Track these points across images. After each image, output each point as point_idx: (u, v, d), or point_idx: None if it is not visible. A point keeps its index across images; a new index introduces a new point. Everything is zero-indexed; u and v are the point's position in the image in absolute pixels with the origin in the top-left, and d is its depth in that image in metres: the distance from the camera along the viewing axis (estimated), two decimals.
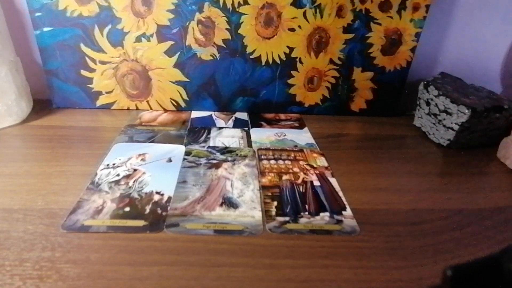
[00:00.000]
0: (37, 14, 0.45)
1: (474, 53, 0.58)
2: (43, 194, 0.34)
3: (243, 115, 0.53)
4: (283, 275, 0.27)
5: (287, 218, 0.33)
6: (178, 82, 0.51)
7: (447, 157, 0.46)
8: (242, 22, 0.48)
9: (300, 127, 0.51)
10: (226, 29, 0.48)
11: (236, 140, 0.46)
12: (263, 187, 0.37)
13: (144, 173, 0.38)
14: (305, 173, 0.40)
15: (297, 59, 0.52)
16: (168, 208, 0.33)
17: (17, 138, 0.44)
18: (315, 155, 0.44)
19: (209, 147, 0.44)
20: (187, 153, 0.42)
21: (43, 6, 0.45)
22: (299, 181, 0.38)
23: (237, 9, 0.47)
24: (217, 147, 0.44)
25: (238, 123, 0.51)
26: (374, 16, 0.50)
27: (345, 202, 0.35)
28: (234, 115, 0.53)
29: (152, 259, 0.27)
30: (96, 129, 0.47)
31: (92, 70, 0.49)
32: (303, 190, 0.37)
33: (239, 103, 0.54)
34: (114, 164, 0.39)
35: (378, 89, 0.55)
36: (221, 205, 0.34)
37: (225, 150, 0.43)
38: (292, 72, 0.52)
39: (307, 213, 0.33)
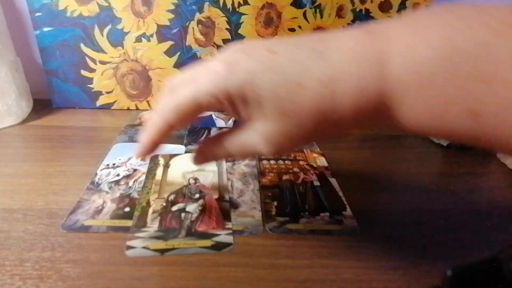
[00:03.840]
0: (37, 14, 0.45)
1: None
2: (43, 194, 0.34)
3: None
4: (283, 275, 0.27)
5: (287, 218, 0.33)
6: None
7: (447, 157, 0.46)
8: (242, 22, 0.48)
9: None
10: (226, 29, 0.48)
11: None
12: (263, 187, 0.37)
13: (144, 173, 0.38)
14: (305, 173, 0.40)
15: None
16: None
17: (17, 138, 0.44)
18: (315, 155, 0.44)
19: None
20: (187, 153, 0.42)
21: (43, 6, 0.45)
22: (299, 181, 0.38)
23: (237, 9, 0.47)
24: None
25: (238, 123, 0.51)
26: (374, 16, 0.50)
27: (345, 202, 0.35)
28: None
29: (152, 259, 0.27)
30: (96, 129, 0.47)
31: (92, 70, 0.50)
32: (303, 190, 0.37)
33: None
34: (114, 164, 0.39)
35: None
36: None
37: None
38: None
39: (307, 213, 0.33)
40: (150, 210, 0.32)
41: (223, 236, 0.30)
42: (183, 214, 0.32)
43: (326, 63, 0.21)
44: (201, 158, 0.29)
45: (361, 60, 0.20)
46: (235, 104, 0.23)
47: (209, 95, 0.23)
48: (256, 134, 0.24)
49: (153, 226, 0.30)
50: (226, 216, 0.32)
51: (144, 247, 0.28)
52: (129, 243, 0.28)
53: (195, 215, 0.32)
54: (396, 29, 0.21)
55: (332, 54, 0.21)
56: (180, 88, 0.25)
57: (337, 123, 0.22)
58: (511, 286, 0.16)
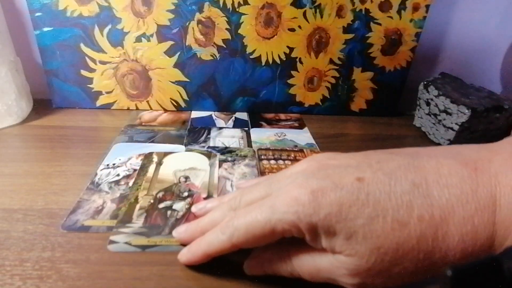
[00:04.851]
0: (37, 14, 0.45)
1: (474, 53, 0.58)
2: (43, 194, 0.34)
3: (243, 115, 0.53)
4: None
5: None
6: (178, 82, 0.51)
7: None
8: (242, 22, 0.48)
9: (300, 127, 0.51)
10: (226, 29, 0.48)
11: (236, 140, 0.46)
12: None
13: None
14: None
15: (297, 59, 0.52)
16: None
17: (17, 138, 0.44)
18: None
19: (209, 147, 0.44)
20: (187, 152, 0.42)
21: (43, 6, 0.45)
22: None
23: (237, 9, 0.47)
24: (217, 147, 0.44)
25: (238, 123, 0.51)
26: (374, 16, 0.50)
27: None
28: (234, 115, 0.53)
29: (152, 259, 0.27)
30: (96, 129, 0.47)
31: (92, 70, 0.50)
32: None
33: (239, 103, 0.54)
34: (114, 164, 0.39)
35: (378, 89, 0.55)
36: None
37: (225, 150, 0.43)
38: (292, 72, 0.52)
39: None
40: (137, 207, 0.32)
41: None
42: (169, 212, 0.32)
43: (429, 200, 0.20)
44: (256, 268, 0.26)
45: (471, 203, 0.19)
46: (317, 235, 0.22)
47: (288, 224, 0.21)
48: (340, 265, 0.21)
49: (138, 222, 0.30)
50: None
51: (126, 243, 0.28)
52: (112, 237, 0.29)
53: (180, 213, 0.32)
54: (501, 167, 0.20)
55: (433, 190, 0.20)
56: (250, 209, 0.23)
57: (435, 263, 0.20)
58: (511, 286, 0.16)
